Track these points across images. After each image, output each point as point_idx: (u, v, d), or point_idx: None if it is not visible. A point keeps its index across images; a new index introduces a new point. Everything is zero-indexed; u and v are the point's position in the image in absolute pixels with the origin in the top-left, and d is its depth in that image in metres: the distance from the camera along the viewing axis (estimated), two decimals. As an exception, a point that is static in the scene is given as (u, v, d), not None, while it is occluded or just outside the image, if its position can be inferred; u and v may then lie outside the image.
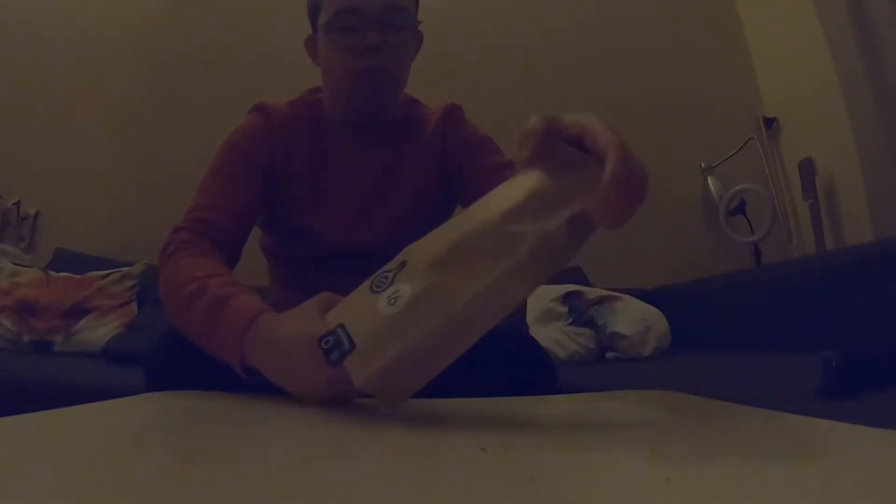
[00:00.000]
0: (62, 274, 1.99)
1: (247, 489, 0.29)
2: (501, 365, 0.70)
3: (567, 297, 1.96)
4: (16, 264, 2.00)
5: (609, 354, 1.84)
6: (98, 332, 1.86)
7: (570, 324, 1.89)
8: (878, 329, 1.28)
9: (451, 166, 0.93)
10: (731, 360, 1.59)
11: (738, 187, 2.27)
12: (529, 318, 1.93)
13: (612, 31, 2.64)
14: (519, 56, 2.61)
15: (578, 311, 1.93)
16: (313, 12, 0.86)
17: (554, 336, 1.83)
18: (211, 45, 2.51)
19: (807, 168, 2.15)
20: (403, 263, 0.45)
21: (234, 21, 2.55)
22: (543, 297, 1.97)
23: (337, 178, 0.89)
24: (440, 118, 0.95)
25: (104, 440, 0.40)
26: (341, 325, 0.42)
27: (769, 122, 2.49)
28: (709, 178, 2.40)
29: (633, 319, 1.88)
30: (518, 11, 2.65)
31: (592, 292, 2.00)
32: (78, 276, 1.99)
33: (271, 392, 0.58)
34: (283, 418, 0.51)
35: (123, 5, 2.54)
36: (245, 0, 2.58)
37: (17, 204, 2.33)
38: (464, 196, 0.94)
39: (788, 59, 2.41)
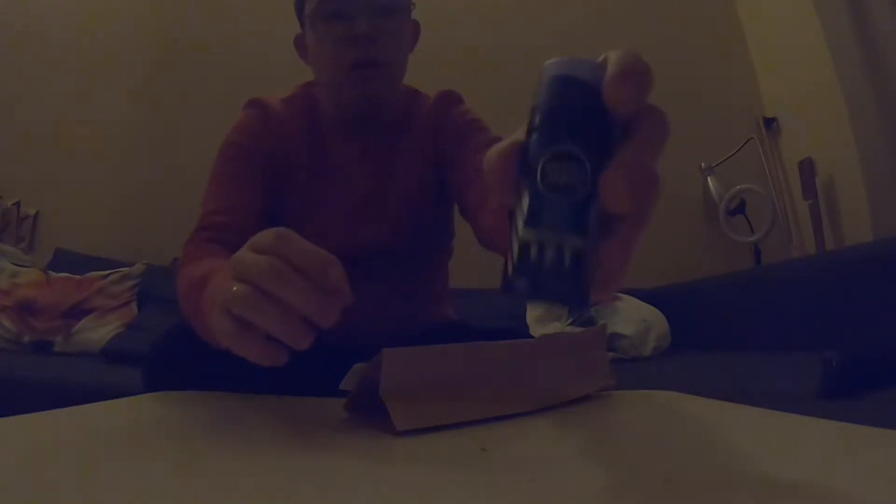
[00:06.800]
0: (62, 274, 1.99)
1: (246, 489, 0.29)
2: None
3: (567, 297, 1.96)
4: (16, 264, 2.00)
5: (609, 354, 1.84)
6: (98, 332, 1.86)
7: (571, 324, 1.89)
8: (878, 329, 1.28)
9: (443, 155, 0.88)
10: (731, 360, 1.59)
11: (738, 187, 2.26)
12: (529, 319, 1.93)
13: (611, 31, 2.64)
14: (517, 56, 2.61)
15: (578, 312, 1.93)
16: (299, 7, 0.84)
17: (554, 336, 1.83)
18: (212, 46, 2.52)
19: (807, 168, 2.15)
20: None
21: (237, 21, 2.55)
22: (543, 298, 1.97)
23: (334, 177, 0.87)
24: (432, 107, 0.91)
25: (104, 440, 0.40)
26: None
27: (769, 122, 2.48)
28: (709, 178, 2.40)
29: (633, 319, 1.88)
30: (516, 11, 2.65)
31: (592, 292, 1.99)
32: (78, 277, 1.99)
33: (272, 392, 0.58)
34: (283, 418, 0.51)
35: (125, 6, 2.54)
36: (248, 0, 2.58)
37: (17, 204, 2.33)
38: (454, 183, 0.86)
39: (788, 59, 2.41)
